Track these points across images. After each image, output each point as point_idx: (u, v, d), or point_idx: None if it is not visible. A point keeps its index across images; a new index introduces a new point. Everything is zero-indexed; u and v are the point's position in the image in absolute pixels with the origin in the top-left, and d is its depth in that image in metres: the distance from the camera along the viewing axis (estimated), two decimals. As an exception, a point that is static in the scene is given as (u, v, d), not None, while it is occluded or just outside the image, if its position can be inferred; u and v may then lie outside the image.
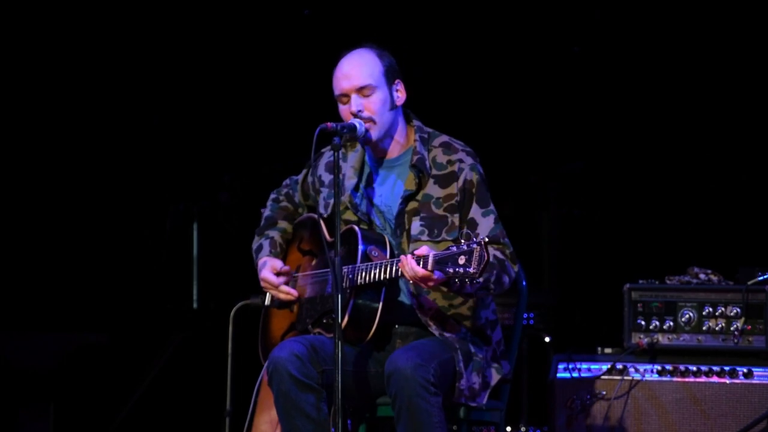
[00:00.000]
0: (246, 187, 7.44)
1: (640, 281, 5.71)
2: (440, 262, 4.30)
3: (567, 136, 7.20)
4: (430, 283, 4.40)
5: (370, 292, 4.57)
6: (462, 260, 4.26)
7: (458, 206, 4.64)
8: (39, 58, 7.16)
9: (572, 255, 7.13)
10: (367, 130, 4.65)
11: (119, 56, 7.27)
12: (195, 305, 7.38)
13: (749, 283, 5.57)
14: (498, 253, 4.57)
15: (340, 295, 4.31)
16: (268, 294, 4.93)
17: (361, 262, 4.57)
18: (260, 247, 4.92)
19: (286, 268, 4.78)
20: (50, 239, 7.21)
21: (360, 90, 4.64)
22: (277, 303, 4.86)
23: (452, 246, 4.32)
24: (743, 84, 6.89)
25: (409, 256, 4.39)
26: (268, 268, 4.79)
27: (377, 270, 4.51)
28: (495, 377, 4.72)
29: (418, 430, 4.39)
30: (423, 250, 4.37)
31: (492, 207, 4.66)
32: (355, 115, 4.64)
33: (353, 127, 4.58)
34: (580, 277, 7.11)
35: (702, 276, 5.69)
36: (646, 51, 7.04)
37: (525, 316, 6.50)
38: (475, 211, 4.63)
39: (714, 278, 5.69)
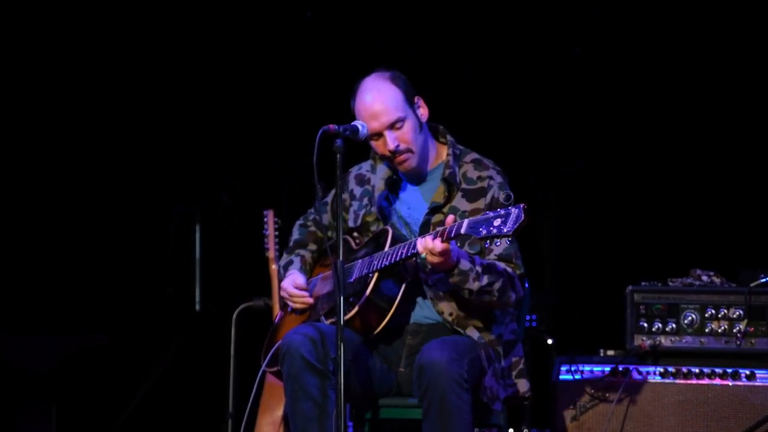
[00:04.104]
0: (246, 188, 7.44)
1: (643, 283, 5.72)
2: (473, 226, 4.34)
3: (568, 136, 7.20)
4: (437, 259, 4.43)
5: (390, 282, 4.63)
6: (497, 222, 4.31)
7: None
8: (39, 58, 7.15)
9: (574, 256, 7.12)
10: (404, 161, 4.73)
11: (119, 57, 7.26)
12: (197, 307, 7.37)
13: (752, 285, 5.58)
14: (509, 269, 4.63)
15: (342, 297, 4.34)
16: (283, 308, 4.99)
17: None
18: (290, 263, 4.98)
19: (308, 286, 4.86)
20: (51, 241, 7.21)
21: (391, 126, 4.69)
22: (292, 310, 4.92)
23: (489, 211, 4.38)
24: (743, 84, 6.88)
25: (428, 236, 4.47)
26: (289, 280, 4.86)
27: (400, 250, 4.56)
28: (503, 392, 4.76)
29: (447, 425, 4.41)
30: (449, 219, 4.45)
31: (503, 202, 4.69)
32: (394, 152, 4.70)
33: (356, 129, 4.61)
34: (582, 278, 7.10)
35: (704, 278, 5.70)
36: (646, 52, 7.03)
37: (527, 318, 6.51)
38: None
39: (716, 280, 5.70)
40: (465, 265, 4.52)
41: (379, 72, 4.77)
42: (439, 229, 4.47)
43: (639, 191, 7.09)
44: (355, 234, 4.90)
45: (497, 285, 4.59)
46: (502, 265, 4.64)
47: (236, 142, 7.40)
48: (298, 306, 4.85)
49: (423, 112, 4.78)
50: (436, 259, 4.45)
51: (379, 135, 4.71)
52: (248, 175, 7.40)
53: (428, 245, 4.43)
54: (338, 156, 4.47)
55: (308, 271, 4.96)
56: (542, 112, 7.22)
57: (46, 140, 7.22)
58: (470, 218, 4.39)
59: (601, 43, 7.11)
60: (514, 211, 4.28)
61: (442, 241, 4.42)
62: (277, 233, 6.13)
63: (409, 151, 4.72)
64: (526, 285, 4.86)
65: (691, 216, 6.96)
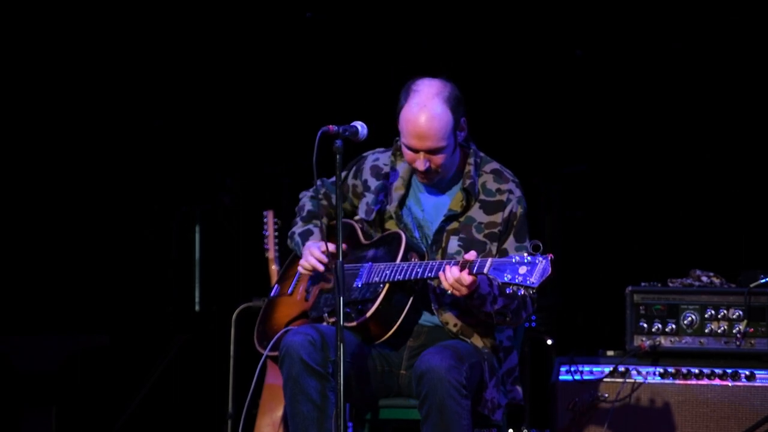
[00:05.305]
0: (247, 189, 7.44)
1: (643, 284, 5.71)
2: (498, 268, 4.33)
3: (570, 138, 7.20)
4: (464, 291, 4.42)
5: (399, 295, 4.62)
6: (523, 270, 4.29)
7: (499, 235, 4.69)
8: (41, 60, 7.16)
9: (575, 257, 7.12)
10: (429, 179, 4.70)
11: (121, 59, 7.27)
12: (197, 308, 7.38)
13: (752, 285, 5.57)
14: (522, 290, 4.60)
15: (342, 298, 4.34)
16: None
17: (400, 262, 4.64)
18: (309, 232, 4.91)
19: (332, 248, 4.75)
20: (53, 242, 7.21)
21: (431, 151, 4.65)
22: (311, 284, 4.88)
23: (513, 255, 4.36)
24: (743, 86, 6.89)
25: (451, 263, 4.44)
26: (318, 245, 4.77)
27: (416, 269, 4.54)
28: (503, 399, 4.77)
29: (447, 431, 4.41)
30: (472, 254, 4.42)
31: (527, 243, 4.70)
32: (424, 172, 4.66)
33: (355, 130, 4.58)
34: (582, 279, 7.10)
35: (704, 278, 5.69)
36: (648, 54, 7.04)
37: (527, 318, 6.50)
38: (510, 244, 4.70)
39: (716, 281, 5.69)
40: (484, 289, 4.52)
41: (440, 84, 4.66)
42: (460, 260, 4.44)
43: (640, 192, 7.09)
44: (363, 226, 4.87)
45: (512, 306, 4.60)
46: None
47: (237, 144, 7.41)
48: (306, 266, 4.76)
49: (463, 133, 4.72)
50: (463, 291, 4.45)
51: (415, 150, 4.66)
52: (249, 176, 7.41)
53: (455, 275, 4.41)
54: (338, 156, 4.47)
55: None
56: (545, 114, 7.22)
57: (48, 142, 7.23)
58: (495, 259, 4.36)
59: (603, 46, 7.12)
60: (542, 262, 4.27)
61: (469, 274, 4.40)
62: (276, 234, 6.13)
63: (435, 172, 4.69)
64: (535, 305, 4.83)
65: (690, 217, 6.97)
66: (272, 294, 5.02)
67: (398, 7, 7.19)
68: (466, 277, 4.40)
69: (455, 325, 4.71)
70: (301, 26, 7.28)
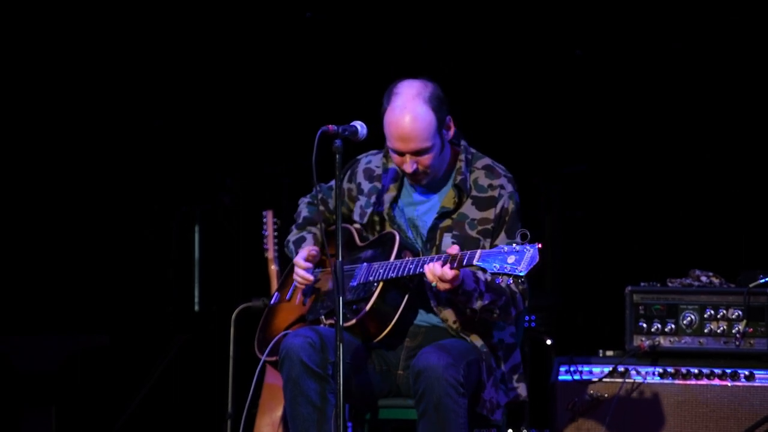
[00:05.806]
0: (247, 190, 7.44)
1: (642, 284, 5.71)
2: (486, 259, 4.34)
3: (570, 138, 7.21)
4: (447, 286, 4.43)
5: (394, 293, 4.63)
6: (511, 259, 4.30)
7: (491, 231, 4.70)
8: (41, 61, 7.16)
9: (574, 257, 7.13)
10: (418, 180, 4.71)
11: (121, 59, 7.27)
12: (197, 308, 7.38)
13: (751, 285, 5.57)
14: (512, 285, 4.62)
15: (341, 298, 4.35)
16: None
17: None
18: (302, 239, 4.94)
19: (315, 253, 4.79)
20: (52, 242, 7.21)
21: (416, 152, 4.65)
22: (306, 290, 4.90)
23: (502, 245, 4.37)
24: (743, 85, 6.89)
25: (434, 258, 4.47)
26: (303, 252, 4.82)
27: (408, 265, 4.55)
28: (504, 398, 4.77)
29: (443, 429, 4.42)
30: (454, 248, 4.43)
31: (518, 239, 4.67)
32: (412, 174, 4.67)
33: (355, 130, 4.59)
34: (582, 279, 7.11)
35: (703, 278, 5.69)
36: (648, 54, 7.04)
37: (527, 318, 6.51)
38: (501, 240, 4.69)
39: (715, 281, 5.69)
40: (469, 285, 4.52)
41: (420, 85, 4.66)
42: (446, 255, 4.45)
43: (639, 192, 7.09)
44: (358, 226, 4.89)
45: (500, 302, 4.60)
46: (507, 282, 4.63)
47: (237, 144, 7.41)
48: (299, 280, 4.80)
49: (449, 132, 4.72)
50: (445, 285, 4.45)
51: (401, 152, 4.67)
52: (249, 176, 7.41)
53: (437, 272, 4.42)
54: (337, 156, 4.47)
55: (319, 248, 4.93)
56: (545, 114, 7.23)
57: (49, 142, 7.24)
58: (484, 250, 4.38)
59: (603, 46, 7.12)
60: (529, 250, 4.28)
61: (452, 268, 4.41)
62: (276, 233, 6.14)
63: (424, 173, 4.70)
64: (526, 302, 4.83)
65: (690, 217, 6.97)
66: (272, 302, 5.04)
67: (398, 8, 7.19)
68: (448, 272, 4.41)
69: (455, 323, 4.71)
70: (301, 26, 7.28)
